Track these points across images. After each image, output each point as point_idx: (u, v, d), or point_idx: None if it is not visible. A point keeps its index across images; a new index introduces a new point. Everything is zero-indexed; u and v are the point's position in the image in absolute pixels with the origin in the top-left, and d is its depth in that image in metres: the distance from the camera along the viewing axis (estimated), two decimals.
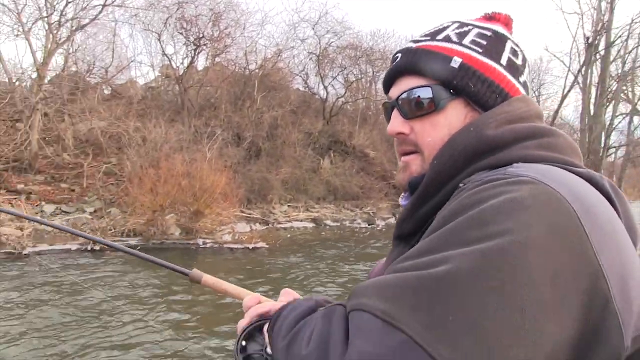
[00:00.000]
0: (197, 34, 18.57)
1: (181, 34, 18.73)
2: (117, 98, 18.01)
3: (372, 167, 24.28)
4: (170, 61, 19.21)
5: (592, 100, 34.19)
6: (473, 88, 0.89)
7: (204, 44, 18.77)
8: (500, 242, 0.61)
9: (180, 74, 19.13)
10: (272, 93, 21.38)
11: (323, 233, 17.23)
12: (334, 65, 25.19)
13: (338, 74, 25.32)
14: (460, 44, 0.92)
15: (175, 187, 13.23)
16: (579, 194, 0.68)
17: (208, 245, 12.92)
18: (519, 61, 0.95)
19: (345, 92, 25.33)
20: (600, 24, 32.61)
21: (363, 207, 21.89)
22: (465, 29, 0.95)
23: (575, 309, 0.61)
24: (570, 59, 35.75)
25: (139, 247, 12.18)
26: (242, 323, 0.97)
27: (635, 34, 32.08)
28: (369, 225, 20.08)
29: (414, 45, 0.96)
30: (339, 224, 19.62)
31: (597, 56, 33.45)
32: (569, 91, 35.30)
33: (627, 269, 0.66)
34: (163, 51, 19.20)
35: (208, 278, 1.33)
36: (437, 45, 0.93)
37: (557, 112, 37.40)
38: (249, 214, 17.41)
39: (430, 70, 0.91)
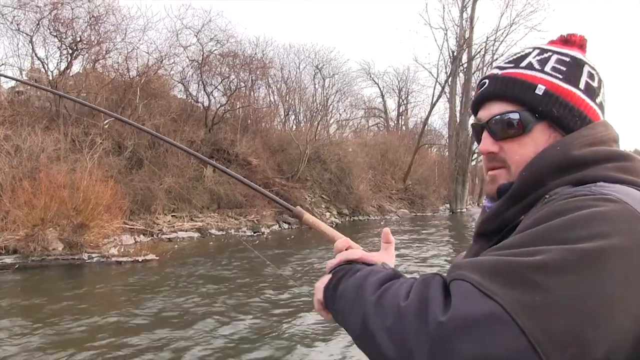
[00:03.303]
0: (73, 37, 17.62)
1: (55, 36, 17.63)
2: None
3: (255, 175, 24.53)
4: (43, 65, 18.00)
5: (458, 109, 37.55)
6: (556, 113, 0.99)
7: (81, 49, 17.84)
8: (586, 246, 0.73)
9: (52, 79, 17.98)
10: (154, 101, 20.88)
11: (211, 243, 17.25)
12: (215, 73, 25.14)
13: (220, 83, 25.33)
14: (542, 71, 1.02)
15: (55, 200, 12.54)
16: None
17: (95, 259, 12.43)
18: (595, 83, 1.03)
19: (228, 101, 25.37)
20: (462, 40, 36.12)
21: (247, 216, 22.07)
22: (546, 55, 1.04)
23: None
24: (438, 70, 38.82)
25: (17, 265, 11.43)
26: (332, 263, 1.09)
27: (491, 50, 36.14)
28: (254, 233, 20.39)
29: (499, 72, 1.07)
30: (224, 232, 19.70)
31: (461, 68, 36.97)
32: (437, 100, 38.56)
33: None
34: (35, 54, 17.93)
35: (308, 216, 1.46)
36: (522, 73, 1.03)
37: (426, 119, 40.60)
38: (132, 225, 16.89)
39: (517, 97, 1.02)
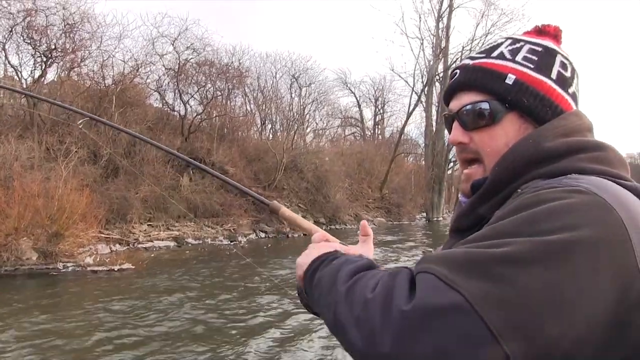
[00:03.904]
0: (48, 45, 17.44)
1: (29, 44, 17.44)
2: None
3: None
4: (17, 73, 17.77)
5: (435, 118, 37.90)
6: (526, 103, 0.97)
7: (56, 57, 17.67)
8: (553, 238, 0.72)
9: (26, 87, 17.76)
10: (130, 109, 20.75)
11: (187, 252, 17.14)
12: (191, 81, 25.11)
13: (196, 92, 25.30)
14: (513, 60, 1.00)
15: (29, 209, 12.36)
16: (626, 205, 0.78)
17: (70, 269, 12.28)
18: (567, 73, 1.01)
19: (204, 110, 25.33)
20: (438, 49, 36.57)
21: (224, 224, 21.99)
22: (518, 45, 1.03)
23: (609, 301, 0.71)
24: (414, 79, 39.15)
25: None
26: None
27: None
28: (231, 242, 20.33)
29: (470, 62, 1.05)
30: (200, 242, 19.59)
31: (437, 78, 37.36)
32: (413, 109, 38.84)
33: None
34: (8, 61, 17.69)
35: (285, 210, 1.47)
36: (492, 63, 1.02)
37: (403, 128, 40.89)
38: (108, 234, 16.71)
39: (487, 87, 1.00)
